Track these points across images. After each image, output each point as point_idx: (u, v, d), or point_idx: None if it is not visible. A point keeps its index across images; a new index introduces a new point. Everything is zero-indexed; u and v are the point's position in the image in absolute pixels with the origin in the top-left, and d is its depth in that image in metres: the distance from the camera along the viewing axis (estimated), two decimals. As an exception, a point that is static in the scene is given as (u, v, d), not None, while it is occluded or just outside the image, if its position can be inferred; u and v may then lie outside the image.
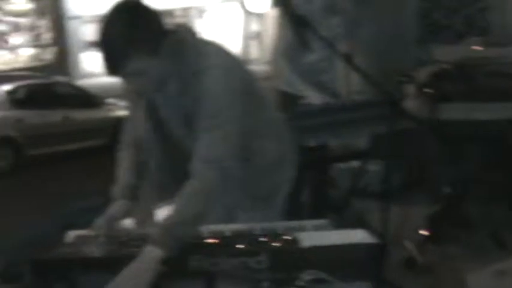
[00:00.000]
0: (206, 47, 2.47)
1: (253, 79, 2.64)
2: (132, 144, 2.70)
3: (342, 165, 5.17)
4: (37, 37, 20.24)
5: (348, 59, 2.79)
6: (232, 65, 2.49)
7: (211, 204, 2.31)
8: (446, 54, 4.61)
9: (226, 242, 2.32)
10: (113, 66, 2.31)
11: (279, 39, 4.30)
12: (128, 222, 2.60)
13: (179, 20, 20.58)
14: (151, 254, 2.11)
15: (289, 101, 4.34)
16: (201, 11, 24.97)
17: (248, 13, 27.04)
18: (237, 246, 2.24)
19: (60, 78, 14.48)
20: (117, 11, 2.32)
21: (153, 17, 2.36)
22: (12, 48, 19.65)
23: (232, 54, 2.56)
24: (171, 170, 2.64)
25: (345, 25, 4.38)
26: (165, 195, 2.61)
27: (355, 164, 4.89)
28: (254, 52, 28.13)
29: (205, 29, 23.39)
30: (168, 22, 2.44)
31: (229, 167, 2.32)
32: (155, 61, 2.33)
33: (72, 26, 20.79)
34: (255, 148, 2.69)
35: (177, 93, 2.45)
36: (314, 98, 4.08)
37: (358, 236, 2.30)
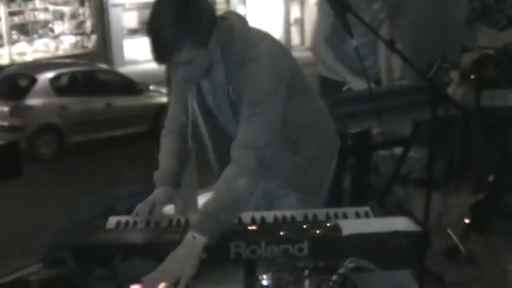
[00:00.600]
0: (254, 36, 2.45)
1: (300, 69, 2.62)
2: (176, 131, 2.71)
3: (384, 152, 5.12)
4: (79, 25, 20.46)
5: (390, 44, 2.74)
6: (279, 54, 2.46)
7: (251, 190, 2.29)
8: (491, 40, 4.52)
9: (268, 229, 2.32)
10: (162, 56, 2.28)
11: (320, 25, 4.26)
12: (169, 209, 2.60)
13: (220, 7, 20.63)
14: (194, 241, 2.11)
15: (331, 87, 4.31)
16: (242, -2, 24.99)
17: None
18: (279, 233, 2.22)
19: (102, 66, 14.62)
20: (167, 1, 2.27)
21: (203, 4, 2.32)
22: (55, 36, 19.90)
23: (280, 43, 2.54)
24: (218, 156, 2.63)
25: (387, 11, 4.32)
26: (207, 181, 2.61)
27: (397, 151, 4.84)
28: (295, 38, 28.12)
29: (247, 16, 23.36)
30: (217, 8, 2.42)
31: (268, 154, 2.30)
32: (205, 49, 2.31)
33: (113, 13, 20.97)
34: (302, 139, 2.68)
35: (224, 80, 2.44)
36: (356, 84, 4.03)
37: (399, 223, 2.27)
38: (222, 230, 2.19)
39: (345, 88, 4.21)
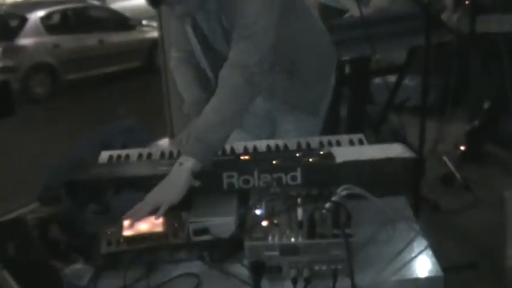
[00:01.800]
0: None
1: None
2: (187, 59, 2.69)
3: (379, 79, 5.08)
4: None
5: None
6: None
7: (240, 110, 2.26)
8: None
9: (260, 158, 2.30)
10: (156, 1, 2.26)
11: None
12: (163, 142, 2.59)
13: None
14: (181, 167, 2.09)
15: (329, 15, 4.26)
16: None
17: None
18: (271, 162, 2.21)
19: (94, 2, 14.43)
20: None
21: None
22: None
23: None
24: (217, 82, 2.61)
25: None
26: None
27: (393, 79, 4.81)
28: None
29: None
30: None
31: (257, 72, 2.26)
32: None
33: None
34: (299, 59, 2.65)
35: (216, 9, 2.41)
36: (353, 10, 3.96)
37: (394, 150, 2.25)
38: (211, 152, 2.17)
39: (347, 15, 4.16)
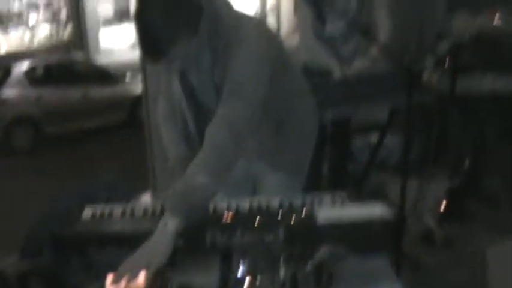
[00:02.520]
0: (240, 19, 2.45)
1: (285, 51, 2.63)
2: (172, 116, 2.69)
3: (361, 138, 5.14)
4: (54, 14, 20.25)
5: (364, 31, 2.75)
6: (265, 37, 2.46)
7: (227, 169, 2.27)
8: (465, 27, 4.55)
9: (243, 216, 2.31)
10: (159, 54, 2.25)
11: (299, 11, 4.25)
12: (146, 197, 2.60)
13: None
14: (166, 228, 2.10)
15: (309, 75, 4.32)
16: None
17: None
18: (254, 220, 2.22)
19: (78, 55, 14.51)
20: None
21: None
22: (30, 27, 19.70)
23: (266, 25, 2.53)
24: (201, 139, 2.63)
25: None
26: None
27: (374, 137, 4.86)
28: (272, 24, 28.06)
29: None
30: None
31: (244, 131, 2.29)
32: (195, 39, 2.28)
33: (90, 2, 20.78)
34: (285, 119, 2.69)
35: (209, 65, 2.42)
36: (335, 70, 4.02)
37: (375, 210, 2.28)
38: (196, 212, 2.18)
39: (323, 74, 4.22)
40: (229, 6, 2.47)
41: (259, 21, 2.52)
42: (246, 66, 2.33)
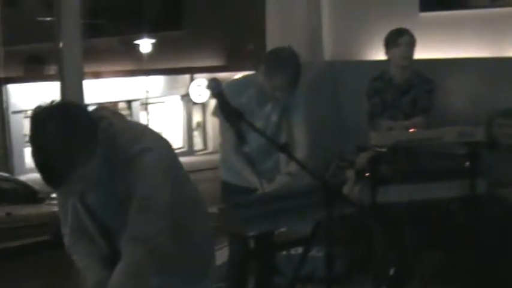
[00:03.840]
0: (135, 131, 2.43)
1: (179, 161, 2.64)
2: (80, 236, 2.62)
3: (285, 252, 5.13)
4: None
5: (282, 148, 2.80)
6: (163, 147, 2.47)
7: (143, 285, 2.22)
8: (382, 139, 4.69)
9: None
10: (59, 182, 2.20)
11: (226, 131, 4.31)
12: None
13: (123, 114, 20.53)
14: None
15: (232, 192, 4.36)
16: (144, 104, 25.10)
17: (191, 104, 27.27)
18: None
19: (2, 174, 14.29)
20: (50, 121, 2.15)
21: (84, 115, 2.25)
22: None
23: (160, 135, 2.55)
24: (110, 260, 2.57)
25: (279, 112, 4.42)
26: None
27: (299, 250, 4.86)
28: (198, 142, 28.29)
29: (149, 121, 23.50)
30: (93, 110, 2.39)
31: (159, 244, 2.26)
32: (93, 159, 2.24)
33: (14, 120, 20.65)
34: (189, 225, 2.67)
35: (108, 180, 2.37)
36: (257, 187, 4.04)
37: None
38: None
39: (247, 191, 4.24)
40: (122, 118, 2.47)
41: (154, 132, 2.51)
42: (152, 180, 2.32)
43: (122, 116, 2.50)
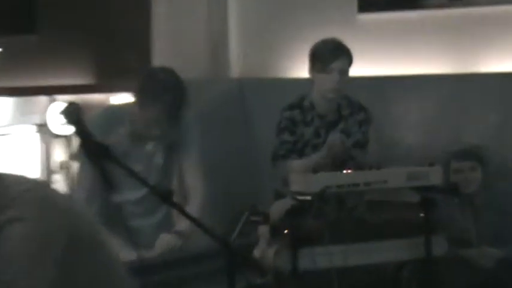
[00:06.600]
0: (7, 187, 2.43)
1: (85, 220, 2.66)
2: None
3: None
4: None
5: (165, 197, 2.83)
6: (46, 210, 2.44)
7: None
8: (304, 184, 4.63)
9: None
10: None
11: (80, 171, 4.29)
12: None
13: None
14: None
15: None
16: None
17: (51, 137, 26.86)
18: None
19: None
20: None
21: None
22: None
23: (49, 190, 2.55)
24: None
25: (163, 152, 4.46)
26: None
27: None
28: (61, 186, 27.74)
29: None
30: None
31: None
32: None
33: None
34: None
35: None
36: (128, 254, 3.94)
37: None
38: None
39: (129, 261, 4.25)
40: None
41: (36, 186, 2.52)
42: (17, 258, 2.32)
43: None
